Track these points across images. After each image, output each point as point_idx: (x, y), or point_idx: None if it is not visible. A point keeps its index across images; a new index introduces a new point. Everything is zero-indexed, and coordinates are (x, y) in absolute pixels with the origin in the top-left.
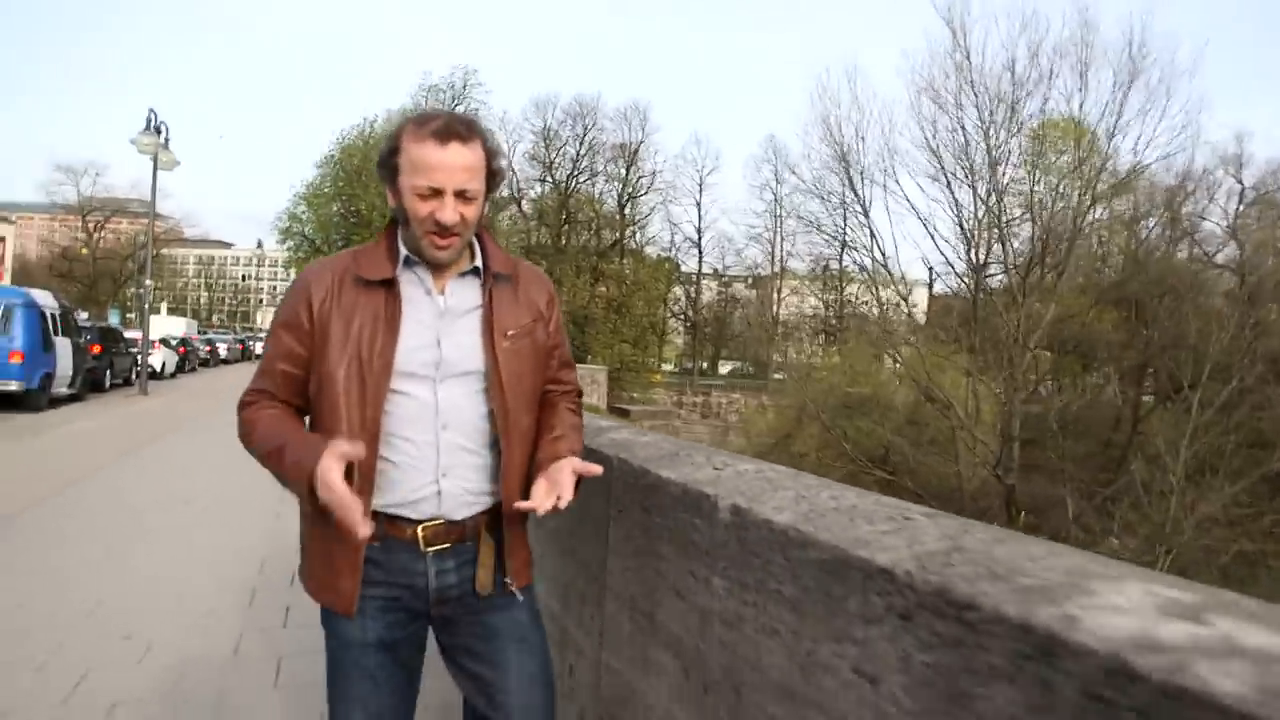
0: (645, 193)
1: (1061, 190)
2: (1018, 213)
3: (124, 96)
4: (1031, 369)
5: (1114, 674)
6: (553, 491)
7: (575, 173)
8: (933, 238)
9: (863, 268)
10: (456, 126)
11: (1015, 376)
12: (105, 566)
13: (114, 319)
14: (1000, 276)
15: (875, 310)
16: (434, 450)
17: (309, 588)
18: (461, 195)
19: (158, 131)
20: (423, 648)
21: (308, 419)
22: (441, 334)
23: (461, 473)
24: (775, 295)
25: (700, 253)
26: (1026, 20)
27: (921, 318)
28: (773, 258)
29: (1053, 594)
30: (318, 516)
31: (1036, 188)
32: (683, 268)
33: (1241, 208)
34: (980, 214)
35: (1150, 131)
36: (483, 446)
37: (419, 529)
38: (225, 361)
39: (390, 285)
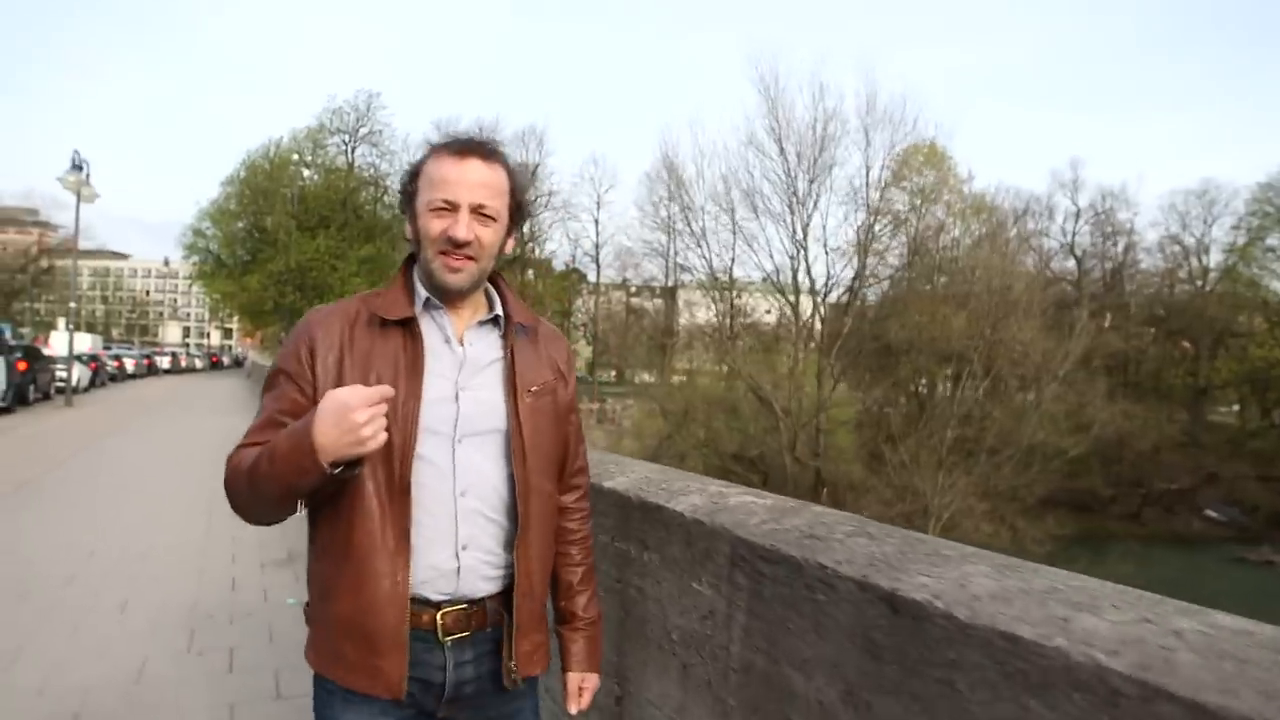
0: (544, 210)
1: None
2: (828, 245)
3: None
4: (833, 371)
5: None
6: (582, 691)
7: None
8: (760, 265)
9: (702, 283)
10: (478, 144)
11: (821, 379)
12: (116, 511)
13: (5, 332)
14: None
15: (721, 322)
16: (452, 520)
17: (334, 672)
18: (478, 212)
19: (79, 169)
20: None
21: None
22: (460, 387)
23: (481, 544)
24: (667, 307)
25: (598, 267)
26: (816, 97)
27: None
28: (666, 271)
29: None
30: (351, 583)
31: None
32: (588, 278)
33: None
34: (797, 245)
35: (922, 179)
36: (501, 513)
37: (438, 615)
38: (133, 376)
39: (409, 326)
